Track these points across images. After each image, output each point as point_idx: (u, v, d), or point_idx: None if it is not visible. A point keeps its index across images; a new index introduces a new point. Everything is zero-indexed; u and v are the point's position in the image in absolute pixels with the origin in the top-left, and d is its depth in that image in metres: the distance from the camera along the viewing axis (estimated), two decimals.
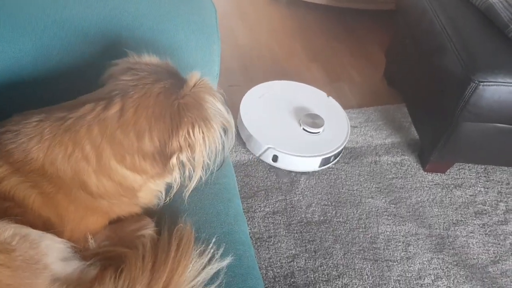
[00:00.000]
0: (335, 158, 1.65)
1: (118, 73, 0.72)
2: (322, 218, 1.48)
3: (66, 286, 0.61)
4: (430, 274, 1.37)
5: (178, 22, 0.91)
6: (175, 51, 0.88)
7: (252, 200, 1.51)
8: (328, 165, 1.65)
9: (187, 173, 0.73)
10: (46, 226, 0.67)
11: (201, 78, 0.73)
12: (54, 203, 0.69)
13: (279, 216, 1.47)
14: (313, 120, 1.68)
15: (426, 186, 1.64)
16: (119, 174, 0.71)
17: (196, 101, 0.71)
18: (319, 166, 1.62)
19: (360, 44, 2.34)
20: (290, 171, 1.62)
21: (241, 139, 1.69)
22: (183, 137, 0.69)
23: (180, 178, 0.76)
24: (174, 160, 0.71)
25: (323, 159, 1.59)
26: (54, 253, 0.63)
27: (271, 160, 1.61)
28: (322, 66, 2.16)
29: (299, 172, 1.62)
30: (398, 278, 1.35)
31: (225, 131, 0.75)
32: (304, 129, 1.67)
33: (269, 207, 1.49)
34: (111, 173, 0.70)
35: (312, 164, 1.61)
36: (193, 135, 0.69)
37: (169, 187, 0.81)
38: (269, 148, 1.58)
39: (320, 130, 1.66)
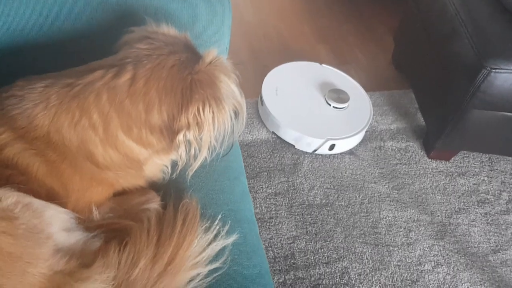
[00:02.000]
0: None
1: (134, 41, 0.70)
2: (324, 201, 1.47)
3: (69, 256, 0.60)
4: (430, 261, 1.36)
5: None
6: (185, 21, 0.85)
7: (254, 181, 1.49)
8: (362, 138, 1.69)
9: (192, 152, 0.71)
10: (50, 196, 0.65)
11: (218, 56, 0.71)
12: (59, 172, 0.67)
13: (281, 197, 1.46)
14: (338, 96, 1.68)
15: (429, 173, 1.62)
16: (126, 145, 0.69)
17: (210, 78, 0.68)
18: (360, 140, 1.67)
19: (369, 27, 2.30)
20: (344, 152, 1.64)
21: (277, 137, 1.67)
22: (193, 114, 0.67)
23: (186, 156, 0.73)
24: (180, 136, 0.69)
25: (366, 132, 1.65)
26: (57, 223, 0.62)
27: (328, 150, 1.59)
28: (330, 48, 2.12)
29: (302, 155, 1.60)
30: (398, 263, 1.34)
31: (236, 114, 0.73)
32: (334, 106, 1.67)
33: (271, 188, 1.48)
34: (117, 144, 0.68)
35: (358, 139, 1.65)
36: (203, 114, 0.67)
37: (175, 163, 0.79)
38: (327, 140, 1.56)
39: (346, 104, 1.67)
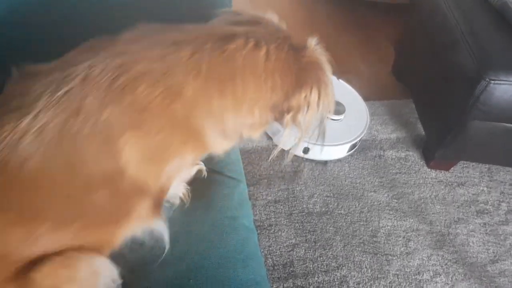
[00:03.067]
0: (358, 143, 1.69)
1: (245, 23, 0.72)
2: (323, 209, 1.48)
3: None
4: (429, 270, 1.36)
5: None
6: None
7: (254, 188, 1.50)
8: (353, 150, 1.67)
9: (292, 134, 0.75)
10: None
11: (316, 44, 0.74)
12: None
13: (281, 205, 1.47)
14: (335, 107, 1.68)
15: (429, 183, 1.63)
16: (245, 116, 0.71)
17: (318, 64, 0.72)
18: (347, 152, 1.64)
19: (370, 37, 2.32)
20: (318, 160, 1.63)
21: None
22: (304, 97, 0.70)
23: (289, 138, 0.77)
24: (289, 117, 0.72)
25: (351, 145, 1.62)
26: None
27: (302, 153, 1.60)
28: (330, 57, 2.13)
29: (303, 162, 1.61)
30: (397, 272, 1.34)
31: None
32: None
33: (271, 196, 1.49)
34: (241, 113, 0.70)
35: (341, 151, 1.63)
36: (311, 96, 0.71)
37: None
38: None
39: (342, 116, 1.67)
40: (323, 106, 0.73)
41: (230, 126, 0.71)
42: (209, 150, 0.75)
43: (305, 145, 1.57)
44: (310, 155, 1.61)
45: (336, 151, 1.62)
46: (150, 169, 0.66)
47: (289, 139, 0.77)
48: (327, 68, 0.73)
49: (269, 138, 1.66)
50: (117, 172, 0.62)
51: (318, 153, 1.60)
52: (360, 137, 1.64)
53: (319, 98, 0.71)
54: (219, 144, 0.76)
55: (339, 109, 1.68)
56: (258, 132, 0.79)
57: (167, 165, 0.68)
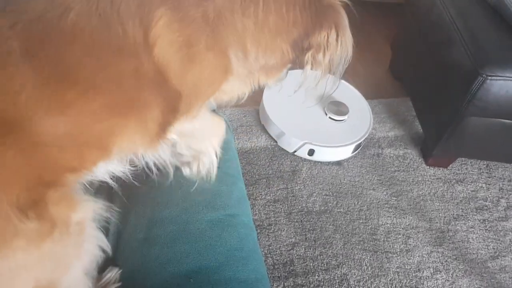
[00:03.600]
0: (362, 143, 1.68)
1: None
2: (323, 208, 1.48)
3: None
4: (429, 267, 1.36)
5: None
6: None
7: (253, 187, 1.50)
8: (358, 151, 1.67)
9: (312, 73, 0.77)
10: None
11: None
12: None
13: (280, 204, 1.47)
14: (338, 108, 1.69)
15: (428, 180, 1.63)
16: (265, 48, 0.72)
17: (337, 7, 0.73)
18: (352, 153, 1.64)
19: (366, 36, 2.32)
20: (322, 161, 1.62)
21: (265, 132, 1.68)
22: (324, 36, 0.72)
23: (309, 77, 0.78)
24: (309, 55, 0.73)
25: (355, 145, 1.61)
26: None
27: (307, 155, 1.60)
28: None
29: (301, 162, 1.61)
30: (397, 269, 1.34)
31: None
32: (330, 117, 1.67)
33: (270, 195, 1.49)
34: (262, 41, 0.71)
35: (346, 152, 1.62)
36: (331, 37, 0.72)
37: None
38: (305, 143, 1.57)
39: (345, 117, 1.68)
40: (343, 48, 0.74)
41: (251, 58, 0.72)
42: (230, 74, 0.74)
43: (309, 147, 1.57)
44: (315, 157, 1.60)
45: (341, 152, 1.62)
46: (174, 59, 0.64)
47: (310, 78, 0.79)
48: (345, 15, 0.75)
49: (274, 140, 1.66)
50: (146, 45, 0.61)
51: (322, 155, 1.60)
52: (365, 137, 1.64)
53: (339, 39, 0.73)
54: (236, 83, 0.77)
55: (342, 110, 1.69)
56: (275, 76, 0.80)
57: (191, 66, 0.67)
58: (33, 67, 0.55)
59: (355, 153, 1.66)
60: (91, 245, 0.66)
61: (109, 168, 0.73)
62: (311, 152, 1.58)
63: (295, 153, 1.61)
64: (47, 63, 0.56)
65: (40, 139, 0.57)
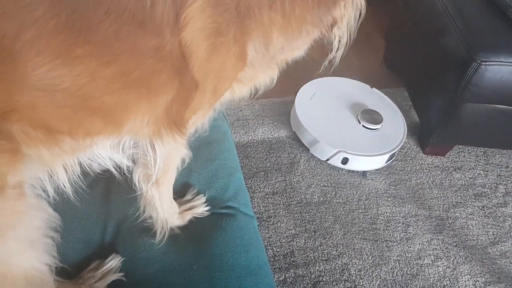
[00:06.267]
0: (396, 153, 1.64)
1: None
2: (321, 199, 1.48)
3: None
4: (429, 255, 1.36)
5: None
6: None
7: (251, 181, 1.50)
8: (391, 160, 1.62)
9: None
10: None
11: None
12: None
13: (279, 196, 1.46)
14: (371, 116, 1.65)
15: (426, 169, 1.63)
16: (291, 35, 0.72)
17: None
18: (385, 162, 1.60)
19: (359, 27, 2.32)
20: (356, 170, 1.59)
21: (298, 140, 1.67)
22: (343, 4, 0.73)
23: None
24: (336, 29, 0.75)
25: (390, 155, 1.57)
26: None
27: (340, 163, 1.56)
28: (321, 48, 2.14)
29: (299, 154, 1.61)
30: (398, 258, 1.34)
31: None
32: (364, 126, 1.64)
33: (268, 188, 1.48)
34: (289, 31, 0.71)
35: (380, 161, 1.58)
36: (347, 3, 0.74)
37: None
38: (339, 151, 1.54)
39: (379, 126, 1.64)
40: (356, 5, 0.76)
41: (274, 48, 0.71)
42: (245, 65, 0.72)
43: (343, 155, 1.54)
44: (348, 166, 1.57)
45: (375, 161, 1.57)
46: (201, 45, 0.61)
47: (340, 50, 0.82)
48: None
49: (306, 148, 1.62)
50: (174, 26, 0.58)
51: (356, 164, 1.56)
52: (399, 147, 1.60)
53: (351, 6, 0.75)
54: (251, 69, 0.75)
55: (377, 118, 1.65)
56: (296, 55, 0.81)
57: (215, 56, 0.64)
58: (52, 5, 0.52)
59: (388, 163, 1.62)
60: (33, 217, 0.58)
61: (114, 155, 0.71)
62: (345, 161, 1.55)
63: (328, 161, 1.58)
64: (66, 13, 0.52)
65: (30, 80, 0.52)
